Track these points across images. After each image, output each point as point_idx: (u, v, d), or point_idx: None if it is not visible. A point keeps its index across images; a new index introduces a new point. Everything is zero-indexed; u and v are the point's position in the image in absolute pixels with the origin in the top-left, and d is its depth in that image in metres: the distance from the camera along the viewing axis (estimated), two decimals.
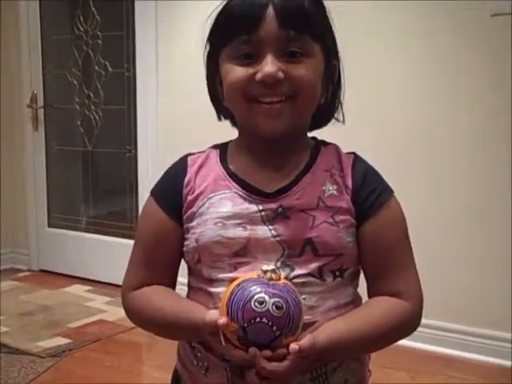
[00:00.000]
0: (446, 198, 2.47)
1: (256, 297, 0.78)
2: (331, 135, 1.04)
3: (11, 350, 2.51)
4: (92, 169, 3.71)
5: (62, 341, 2.62)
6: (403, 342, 2.75)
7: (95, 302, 3.13)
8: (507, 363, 2.34)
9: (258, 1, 0.87)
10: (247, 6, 0.87)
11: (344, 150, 1.00)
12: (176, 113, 3.11)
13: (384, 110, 2.57)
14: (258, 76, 0.87)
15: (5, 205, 3.74)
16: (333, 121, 1.02)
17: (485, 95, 2.36)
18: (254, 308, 0.78)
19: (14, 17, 3.68)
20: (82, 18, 3.54)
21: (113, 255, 3.23)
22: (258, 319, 0.78)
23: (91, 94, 3.58)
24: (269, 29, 0.86)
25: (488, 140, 2.38)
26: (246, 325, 0.78)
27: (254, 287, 0.79)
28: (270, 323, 0.78)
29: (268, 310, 0.78)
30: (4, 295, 3.25)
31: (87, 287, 3.37)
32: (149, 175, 3.18)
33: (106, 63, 3.49)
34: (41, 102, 3.69)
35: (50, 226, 3.77)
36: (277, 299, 0.78)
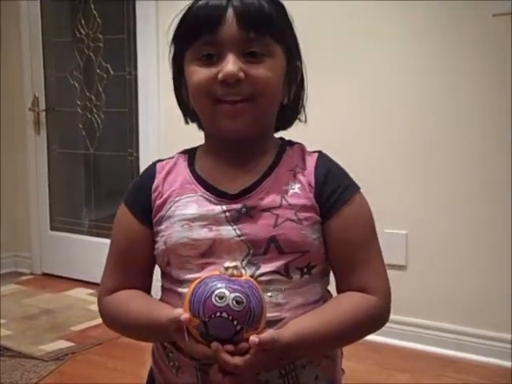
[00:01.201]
0: (446, 197, 2.46)
1: (216, 292, 0.80)
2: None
3: (14, 354, 2.50)
4: (94, 172, 3.71)
5: (64, 344, 2.62)
6: (405, 343, 2.77)
7: None
8: (507, 364, 2.33)
9: (218, 3, 0.90)
10: (208, 8, 0.91)
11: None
12: (178, 116, 3.09)
13: (383, 110, 2.56)
14: (220, 76, 0.89)
15: (7, 208, 3.74)
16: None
17: (486, 95, 2.35)
18: (215, 303, 0.79)
19: (15, 20, 3.68)
20: (83, 21, 3.55)
21: None
22: (218, 314, 0.79)
23: (93, 97, 3.58)
24: (229, 30, 0.89)
25: (489, 140, 2.37)
26: (207, 319, 0.79)
27: (215, 283, 0.81)
28: (230, 317, 0.79)
29: (228, 304, 0.79)
30: (6, 299, 3.25)
31: (90, 290, 3.37)
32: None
33: (108, 66, 3.49)
34: (42, 105, 3.69)
35: (52, 229, 3.77)
36: (237, 294, 0.80)
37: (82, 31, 3.56)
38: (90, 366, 2.43)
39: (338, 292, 0.96)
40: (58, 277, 3.65)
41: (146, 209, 0.97)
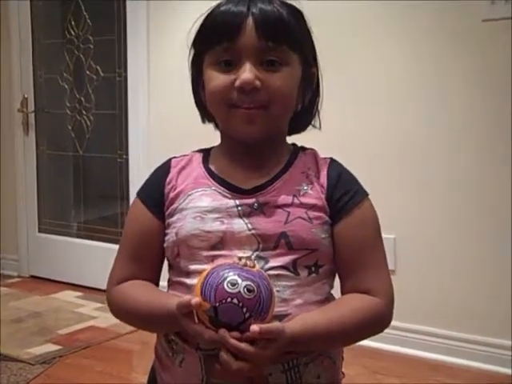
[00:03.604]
0: (434, 200, 2.47)
1: (229, 278, 0.82)
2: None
3: (0, 357, 2.48)
4: (83, 174, 3.69)
5: (52, 347, 2.60)
6: (395, 347, 2.76)
7: (86, 308, 3.11)
8: (507, 371, 2.32)
9: (239, 11, 0.92)
10: (228, 16, 0.93)
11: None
12: (168, 117, 3.10)
13: (370, 116, 2.57)
14: (237, 83, 0.91)
15: None
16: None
17: (476, 97, 2.37)
18: (226, 289, 0.81)
19: (5, 21, 3.66)
20: (73, 23, 3.54)
21: (104, 261, 3.17)
22: (229, 299, 0.81)
23: (82, 99, 3.56)
24: (248, 38, 0.91)
25: (480, 142, 2.38)
26: (217, 304, 0.81)
27: (228, 270, 0.83)
28: (240, 304, 0.81)
29: (239, 291, 0.81)
30: None
31: (78, 293, 3.35)
32: (140, 180, 3.10)
33: (98, 68, 3.48)
34: (32, 107, 3.67)
35: (40, 231, 3.74)
36: (249, 282, 0.82)
37: (73, 32, 3.55)
38: (78, 370, 2.41)
39: (343, 293, 0.97)
40: (45, 279, 3.62)
41: (159, 202, 1.00)
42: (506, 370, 2.33)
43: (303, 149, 1.04)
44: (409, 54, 2.49)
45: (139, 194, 1.04)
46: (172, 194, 0.98)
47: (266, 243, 0.92)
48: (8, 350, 2.56)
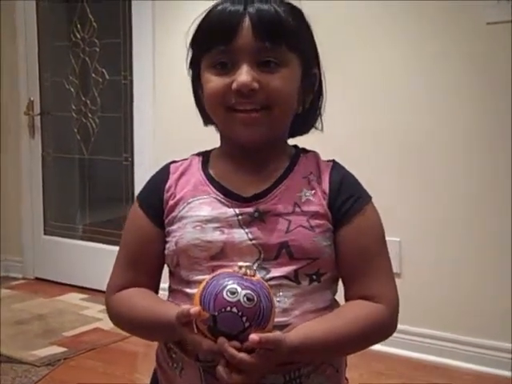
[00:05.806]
0: (439, 203, 2.47)
1: (228, 287, 0.81)
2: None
3: (5, 359, 2.48)
4: (88, 176, 3.70)
5: (57, 349, 2.61)
6: (399, 350, 2.75)
7: (91, 310, 3.12)
8: (506, 373, 2.32)
9: (235, 11, 0.90)
10: (225, 17, 0.91)
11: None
12: (173, 120, 3.10)
13: (375, 116, 2.57)
14: (234, 86, 0.89)
15: (0, 212, 3.72)
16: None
17: (479, 99, 2.36)
18: (226, 297, 0.80)
19: (11, 24, 3.68)
20: (79, 26, 3.55)
21: (109, 263, 3.18)
22: (228, 308, 0.80)
23: (88, 102, 3.57)
24: (244, 39, 0.89)
25: (484, 146, 2.38)
26: (216, 313, 0.80)
27: (228, 279, 0.82)
28: (239, 313, 0.80)
29: (239, 300, 0.80)
30: None
31: (83, 295, 3.36)
32: (145, 183, 3.17)
33: (103, 71, 3.49)
34: (37, 110, 3.68)
35: (45, 233, 3.75)
36: (248, 291, 0.81)
37: (78, 35, 3.56)
38: (83, 372, 2.42)
39: (346, 300, 0.96)
40: (50, 281, 3.63)
41: (158, 209, 0.98)
42: (506, 373, 2.32)
43: (304, 151, 1.01)
44: (410, 55, 2.49)
45: (138, 200, 1.02)
46: (171, 202, 0.97)
47: (267, 253, 0.91)
48: (13, 352, 2.56)
